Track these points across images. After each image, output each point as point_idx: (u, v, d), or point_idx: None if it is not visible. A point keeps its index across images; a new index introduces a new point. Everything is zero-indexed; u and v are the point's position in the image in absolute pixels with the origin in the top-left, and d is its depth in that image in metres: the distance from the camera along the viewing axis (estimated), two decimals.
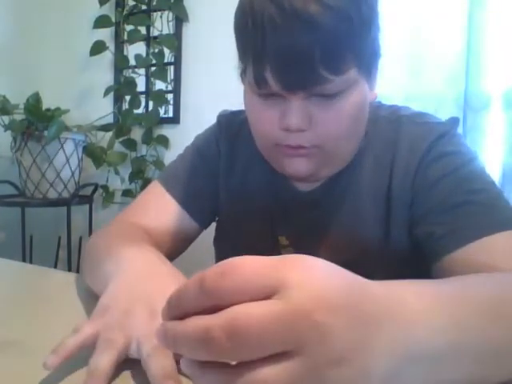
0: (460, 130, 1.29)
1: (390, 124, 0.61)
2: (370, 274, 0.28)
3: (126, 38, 1.88)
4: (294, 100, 0.51)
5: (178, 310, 0.25)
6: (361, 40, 0.50)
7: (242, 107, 0.61)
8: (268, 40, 0.48)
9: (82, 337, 0.36)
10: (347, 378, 0.23)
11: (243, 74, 0.56)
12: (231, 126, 0.72)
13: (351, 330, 0.23)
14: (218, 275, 0.23)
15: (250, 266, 0.23)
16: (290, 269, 0.24)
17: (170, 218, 0.67)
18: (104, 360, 0.33)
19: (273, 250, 0.67)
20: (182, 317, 0.24)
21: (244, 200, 0.69)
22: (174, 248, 0.67)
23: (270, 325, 0.21)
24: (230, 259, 0.24)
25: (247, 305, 0.22)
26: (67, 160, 1.73)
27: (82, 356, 0.39)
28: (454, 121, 0.61)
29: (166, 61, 1.82)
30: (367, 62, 0.53)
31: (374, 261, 0.59)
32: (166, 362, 0.33)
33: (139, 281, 0.43)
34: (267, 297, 0.23)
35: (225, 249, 0.75)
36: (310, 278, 0.24)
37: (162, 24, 1.82)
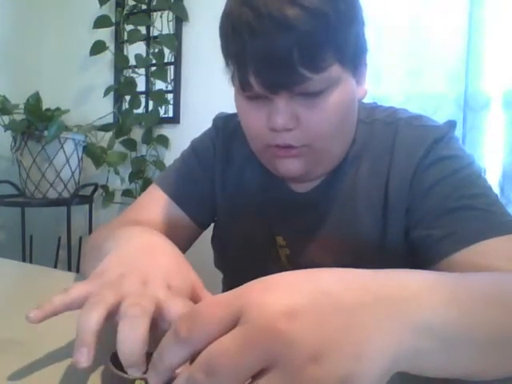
0: (460, 130, 1.29)
1: (387, 127, 0.61)
2: None
3: (126, 37, 1.88)
4: (279, 100, 0.52)
5: (165, 370, 0.26)
6: (340, 37, 0.50)
7: None
8: (247, 45, 0.50)
9: (72, 296, 0.35)
10: (334, 369, 0.24)
11: (233, 77, 0.57)
12: (227, 127, 0.72)
13: (317, 327, 0.24)
14: (187, 322, 0.25)
15: (212, 304, 0.26)
16: (247, 293, 0.26)
17: (168, 218, 0.67)
18: (93, 317, 0.32)
19: (270, 249, 0.67)
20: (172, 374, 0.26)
21: (241, 200, 0.69)
22: None
23: (238, 352, 0.23)
24: (195, 307, 0.26)
25: (217, 341, 0.24)
26: (67, 160, 1.73)
27: None
28: (451, 124, 0.61)
29: (166, 61, 1.81)
30: (351, 57, 0.54)
31: (369, 263, 0.59)
32: (137, 329, 0.31)
33: (135, 254, 0.42)
34: (234, 325, 0.25)
35: (223, 248, 0.75)
36: (266, 296, 0.25)
37: (162, 24, 1.82)
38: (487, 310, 0.31)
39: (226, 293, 0.27)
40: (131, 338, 0.31)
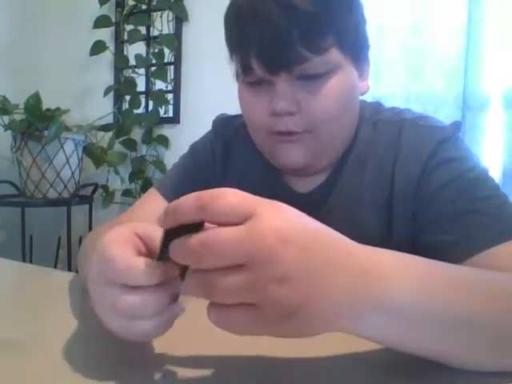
0: (461, 130, 1.29)
1: (392, 127, 0.61)
2: None
3: (126, 38, 1.88)
4: (280, 83, 0.54)
5: (173, 219, 0.30)
6: (340, 21, 0.53)
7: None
8: (249, 28, 0.52)
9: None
10: (288, 297, 0.28)
11: (237, 73, 0.58)
12: (226, 129, 0.72)
13: (299, 259, 0.28)
14: (211, 198, 0.29)
15: (235, 197, 0.29)
16: (262, 206, 0.29)
17: None
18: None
19: None
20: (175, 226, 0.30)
21: None
22: None
23: (230, 242, 0.28)
24: (223, 189, 0.29)
25: (219, 228, 0.28)
26: (67, 160, 1.73)
27: (81, 356, 0.39)
28: (456, 125, 0.61)
29: (166, 61, 1.82)
30: (351, 45, 0.55)
31: None
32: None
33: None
34: (241, 222, 0.28)
35: None
36: (275, 214, 0.29)
37: (162, 24, 1.82)
38: (454, 293, 0.34)
39: (247, 195, 0.30)
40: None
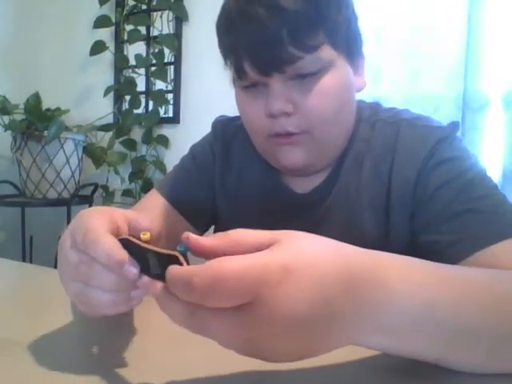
0: (459, 130, 1.29)
1: (389, 127, 0.61)
2: None
3: (125, 37, 1.88)
4: (274, 84, 0.54)
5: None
6: (329, 18, 0.53)
7: None
8: (239, 32, 0.53)
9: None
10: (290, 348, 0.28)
11: (234, 78, 0.58)
12: (226, 130, 0.72)
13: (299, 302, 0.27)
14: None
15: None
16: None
17: (166, 222, 0.67)
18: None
19: None
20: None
21: (242, 203, 0.69)
22: None
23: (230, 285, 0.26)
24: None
25: (226, 259, 0.27)
26: (67, 160, 1.73)
27: (81, 356, 0.39)
28: (454, 125, 0.61)
29: (166, 61, 1.82)
30: (343, 41, 0.55)
31: None
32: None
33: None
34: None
35: None
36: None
37: (162, 24, 1.82)
38: (462, 304, 0.33)
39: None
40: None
